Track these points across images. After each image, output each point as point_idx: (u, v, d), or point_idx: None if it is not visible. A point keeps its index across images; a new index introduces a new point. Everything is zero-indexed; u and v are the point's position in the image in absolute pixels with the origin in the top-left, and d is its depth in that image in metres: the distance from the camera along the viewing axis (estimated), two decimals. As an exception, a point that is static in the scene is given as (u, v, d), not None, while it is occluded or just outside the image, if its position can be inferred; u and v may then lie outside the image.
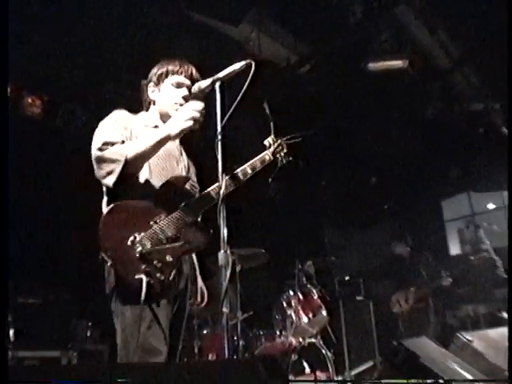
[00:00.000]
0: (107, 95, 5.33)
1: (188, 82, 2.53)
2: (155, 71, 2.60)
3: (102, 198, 2.44)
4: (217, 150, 2.12)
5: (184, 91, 2.52)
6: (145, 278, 2.12)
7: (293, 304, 4.68)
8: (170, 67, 2.56)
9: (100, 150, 2.28)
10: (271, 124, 2.67)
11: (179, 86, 2.54)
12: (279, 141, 2.67)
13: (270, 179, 2.69)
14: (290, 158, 2.71)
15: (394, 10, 4.93)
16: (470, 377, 2.26)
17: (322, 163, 6.87)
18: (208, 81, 2.25)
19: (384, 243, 6.61)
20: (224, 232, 2.01)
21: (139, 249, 2.16)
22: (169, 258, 2.22)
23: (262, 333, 4.90)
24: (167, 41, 4.57)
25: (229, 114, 2.15)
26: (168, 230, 2.25)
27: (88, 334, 5.38)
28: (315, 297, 4.78)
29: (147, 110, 2.66)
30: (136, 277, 2.13)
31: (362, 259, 7.50)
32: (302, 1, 4.90)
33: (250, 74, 2.11)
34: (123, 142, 2.34)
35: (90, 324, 5.37)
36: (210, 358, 4.51)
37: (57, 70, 5.08)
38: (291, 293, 4.79)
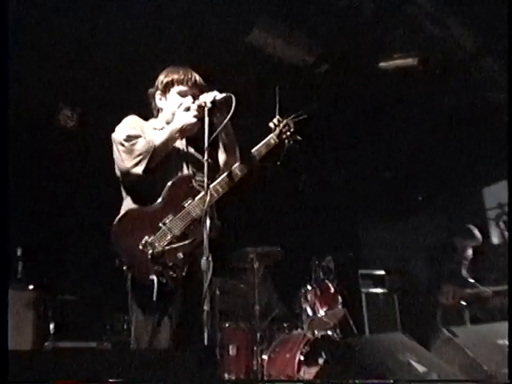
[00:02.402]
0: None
1: (192, 91, 2.74)
2: (161, 80, 2.82)
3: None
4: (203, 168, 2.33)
5: (189, 100, 2.72)
6: (156, 279, 2.32)
7: (309, 298, 4.91)
8: (175, 76, 2.77)
9: (127, 141, 2.54)
10: (277, 106, 2.79)
11: (184, 95, 2.75)
12: (285, 121, 2.79)
13: (278, 163, 2.77)
14: (298, 137, 2.81)
15: (404, 8, 4.98)
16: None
17: (343, 159, 7.00)
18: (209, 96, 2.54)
19: (415, 236, 6.63)
20: (206, 241, 2.20)
21: (150, 251, 2.37)
22: (180, 256, 2.41)
23: (285, 325, 5.17)
24: (182, 50, 4.83)
25: (212, 137, 2.42)
26: (176, 229, 2.45)
27: (125, 326, 5.77)
28: (332, 291, 4.98)
29: (156, 117, 2.88)
30: (150, 277, 2.34)
31: (390, 252, 7.53)
32: (311, 2, 5.03)
33: (231, 107, 2.35)
34: (141, 136, 2.59)
35: (125, 318, 5.76)
36: (230, 349, 4.81)
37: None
38: (309, 287, 5.01)
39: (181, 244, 2.42)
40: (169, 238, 2.42)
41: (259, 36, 5.34)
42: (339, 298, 4.91)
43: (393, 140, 6.99)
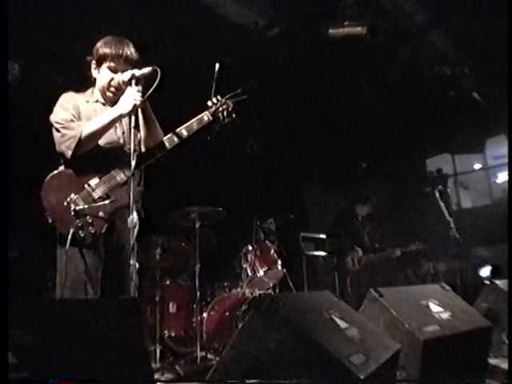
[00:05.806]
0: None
1: (123, 67, 2.77)
2: (97, 50, 2.83)
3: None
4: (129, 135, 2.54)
5: (118, 76, 2.79)
6: (71, 231, 2.57)
7: (249, 258, 5.03)
8: (107, 51, 2.79)
9: (58, 124, 2.72)
10: (213, 85, 2.86)
11: (114, 71, 2.81)
12: (223, 100, 2.85)
13: (208, 138, 2.86)
14: (234, 116, 2.88)
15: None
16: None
17: (290, 123, 7.08)
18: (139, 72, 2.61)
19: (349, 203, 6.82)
20: (131, 203, 2.43)
21: (73, 207, 2.60)
22: (101, 214, 2.64)
23: (226, 284, 5.30)
24: (126, 10, 4.70)
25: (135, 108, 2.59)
26: (99, 190, 2.67)
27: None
28: (272, 252, 5.12)
29: (94, 86, 2.94)
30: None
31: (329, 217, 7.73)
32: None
33: (156, 79, 2.49)
34: (72, 120, 2.74)
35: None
36: (170, 306, 4.90)
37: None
38: (249, 248, 5.13)
39: (102, 204, 2.64)
40: (92, 197, 2.65)
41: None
42: (279, 259, 5.05)
43: (339, 106, 7.11)
